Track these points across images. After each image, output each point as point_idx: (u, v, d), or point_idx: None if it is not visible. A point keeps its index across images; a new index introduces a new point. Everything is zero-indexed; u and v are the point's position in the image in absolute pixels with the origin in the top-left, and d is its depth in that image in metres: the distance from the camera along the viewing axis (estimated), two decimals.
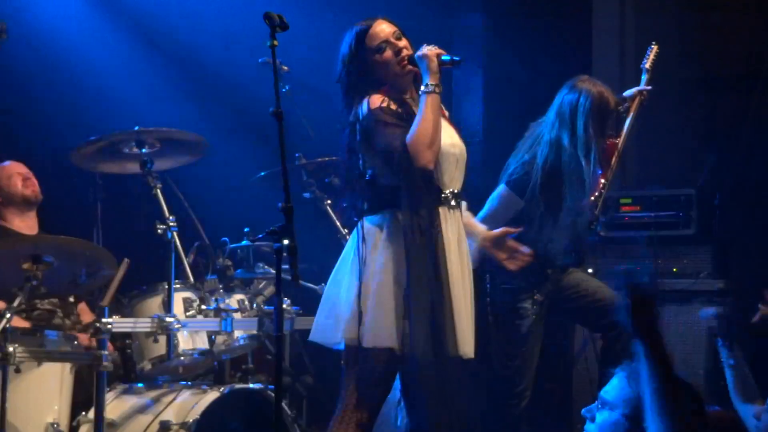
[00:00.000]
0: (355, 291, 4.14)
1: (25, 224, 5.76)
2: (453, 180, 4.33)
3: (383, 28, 4.33)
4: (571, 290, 5.51)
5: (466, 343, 4.25)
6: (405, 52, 4.31)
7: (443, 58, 4.27)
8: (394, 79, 4.33)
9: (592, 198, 5.47)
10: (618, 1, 7.82)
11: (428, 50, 4.27)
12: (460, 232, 4.33)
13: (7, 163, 5.84)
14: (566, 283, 5.51)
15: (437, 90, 4.22)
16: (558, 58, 7.47)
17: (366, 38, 4.31)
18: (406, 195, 4.18)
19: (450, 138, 4.31)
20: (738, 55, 7.56)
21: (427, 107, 4.19)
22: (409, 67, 4.31)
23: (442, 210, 4.26)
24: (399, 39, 4.33)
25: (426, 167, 4.15)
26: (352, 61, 4.32)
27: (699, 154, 7.36)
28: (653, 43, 6.02)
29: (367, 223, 4.23)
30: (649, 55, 5.97)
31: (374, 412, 4.20)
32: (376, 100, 4.23)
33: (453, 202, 4.29)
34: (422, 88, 4.24)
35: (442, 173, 4.28)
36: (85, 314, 5.66)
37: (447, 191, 4.29)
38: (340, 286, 4.23)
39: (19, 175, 5.77)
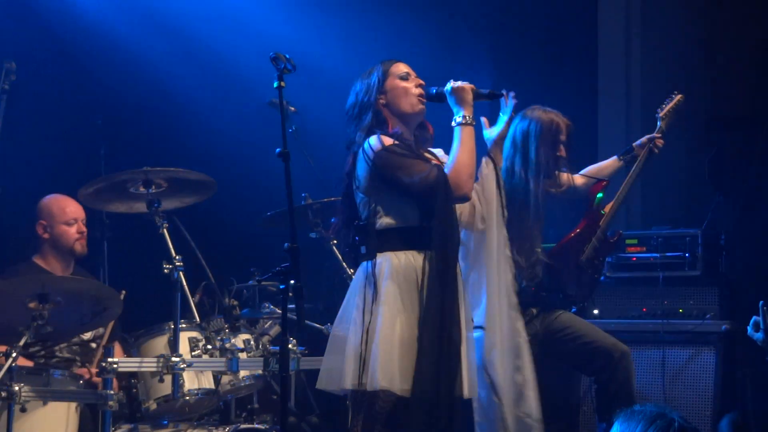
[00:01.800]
0: (359, 336, 4.15)
1: (61, 267, 5.76)
2: None
3: (407, 66, 4.50)
4: (562, 333, 5.49)
5: (472, 384, 4.28)
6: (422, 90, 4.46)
7: (481, 90, 4.39)
8: (407, 113, 4.43)
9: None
10: (624, 41, 7.84)
11: (462, 83, 4.39)
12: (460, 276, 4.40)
13: (71, 206, 5.78)
14: (556, 326, 5.50)
15: (473, 122, 4.35)
16: (563, 93, 7.51)
17: (392, 67, 4.46)
18: (438, 231, 4.22)
19: None
20: (743, 95, 7.57)
21: (464, 138, 4.32)
22: (422, 105, 4.43)
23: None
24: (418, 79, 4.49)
25: (467, 195, 4.30)
26: (374, 85, 4.42)
27: (705, 195, 7.35)
28: (675, 92, 5.99)
29: (367, 268, 4.26)
30: (667, 103, 5.96)
31: None
32: (388, 140, 4.29)
33: None
34: (457, 119, 4.36)
35: None
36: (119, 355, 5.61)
37: None
38: (346, 331, 4.24)
39: (77, 227, 5.77)
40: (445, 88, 4.42)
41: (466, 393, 4.24)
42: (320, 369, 4.33)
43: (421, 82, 4.47)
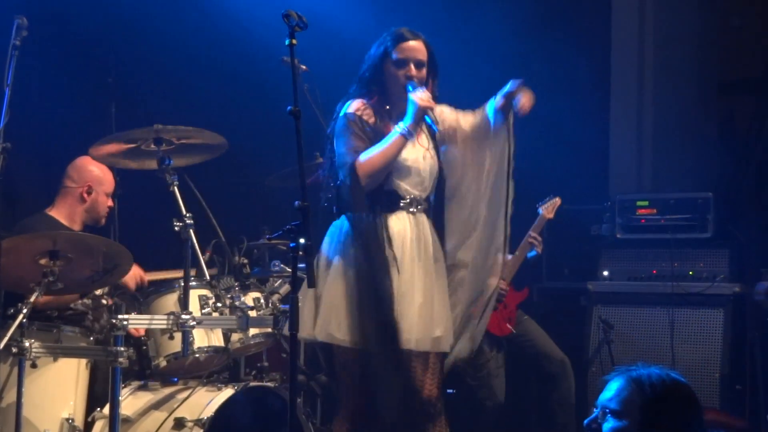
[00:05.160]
0: (314, 291, 4.38)
1: (75, 225, 5.73)
2: (416, 188, 4.54)
3: (414, 49, 4.53)
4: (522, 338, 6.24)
5: (413, 336, 4.43)
6: (413, 78, 4.50)
7: (426, 118, 4.47)
8: (392, 92, 4.56)
9: None
10: (637, 1, 7.79)
11: (420, 99, 4.43)
12: (425, 233, 4.53)
13: (113, 180, 5.82)
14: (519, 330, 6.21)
15: (410, 137, 4.44)
16: (577, 59, 7.49)
17: (397, 47, 4.51)
18: (355, 200, 4.43)
19: (415, 154, 4.52)
20: (757, 59, 7.54)
21: (391, 145, 4.42)
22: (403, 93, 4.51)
23: (401, 213, 4.49)
24: (419, 68, 4.52)
25: (365, 188, 4.42)
26: (370, 58, 4.59)
27: (716, 158, 7.33)
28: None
29: (333, 227, 4.53)
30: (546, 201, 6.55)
31: (362, 403, 4.49)
32: (354, 106, 4.49)
33: (413, 208, 4.52)
34: (400, 126, 4.43)
35: (398, 184, 4.50)
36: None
37: (408, 197, 4.51)
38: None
39: (110, 201, 5.81)
40: (411, 93, 4.45)
41: (402, 344, 4.41)
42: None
43: (413, 72, 4.50)
